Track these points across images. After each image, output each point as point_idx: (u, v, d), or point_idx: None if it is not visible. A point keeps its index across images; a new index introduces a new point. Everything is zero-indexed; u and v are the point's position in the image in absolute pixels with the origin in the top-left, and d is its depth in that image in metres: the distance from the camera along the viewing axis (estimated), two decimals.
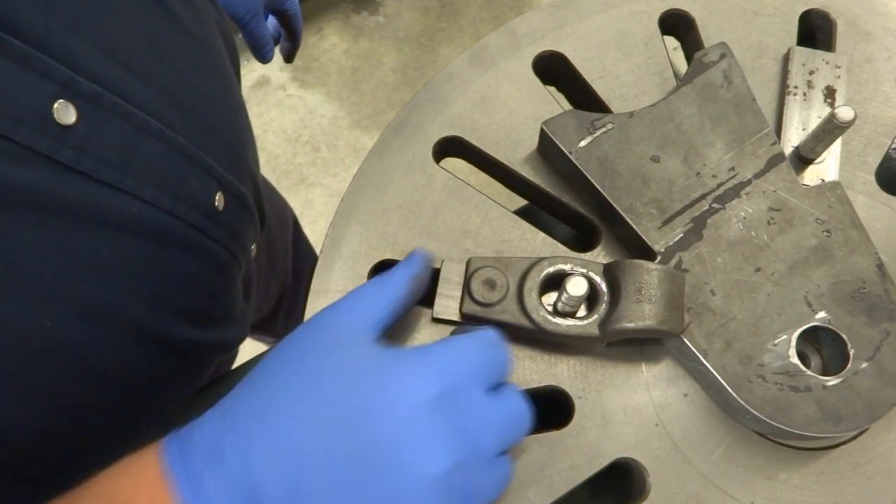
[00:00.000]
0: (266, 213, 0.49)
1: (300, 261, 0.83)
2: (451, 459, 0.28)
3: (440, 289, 0.40)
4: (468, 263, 0.39)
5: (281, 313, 0.82)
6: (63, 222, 0.29)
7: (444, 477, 0.27)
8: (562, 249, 0.42)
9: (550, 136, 0.42)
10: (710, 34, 0.49)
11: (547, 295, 0.39)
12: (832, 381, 0.37)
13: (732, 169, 0.42)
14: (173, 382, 0.41)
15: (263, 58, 0.63)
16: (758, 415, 0.36)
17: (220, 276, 0.41)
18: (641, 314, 0.36)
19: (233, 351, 0.45)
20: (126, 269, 0.33)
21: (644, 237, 0.40)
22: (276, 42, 0.69)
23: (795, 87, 0.47)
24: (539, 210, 0.48)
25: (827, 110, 0.46)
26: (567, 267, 0.38)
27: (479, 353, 0.31)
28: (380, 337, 0.32)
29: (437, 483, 0.27)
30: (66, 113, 0.28)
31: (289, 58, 0.71)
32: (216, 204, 0.38)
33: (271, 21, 0.67)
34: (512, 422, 0.31)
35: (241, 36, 0.60)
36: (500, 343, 0.32)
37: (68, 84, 0.28)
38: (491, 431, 0.30)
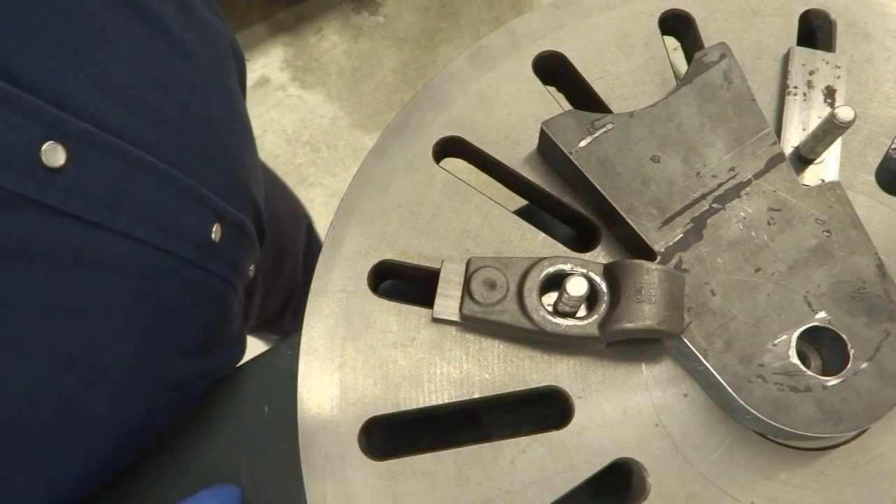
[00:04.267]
0: (279, 215, 0.48)
1: (313, 259, 0.83)
2: None
3: (440, 289, 0.40)
4: (468, 263, 0.39)
5: (288, 310, 0.82)
6: (50, 269, 0.28)
7: None
8: (562, 249, 0.42)
9: (550, 136, 0.42)
10: (710, 34, 0.49)
11: (547, 295, 0.39)
12: (832, 381, 0.37)
13: (732, 169, 0.42)
14: (165, 413, 0.40)
15: None
16: (758, 415, 0.36)
17: (215, 305, 0.40)
18: (641, 314, 0.36)
19: (229, 371, 0.45)
20: (116, 309, 0.32)
21: (644, 237, 0.40)
22: None
23: (795, 88, 0.47)
24: (539, 210, 0.48)
25: (827, 110, 0.46)
26: (567, 267, 0.38)
27: None
28: None
29: None
30: (54, 155, 0.27)
31: None
32: (213, 236, 0.37)
33: None
34: None
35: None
36: None
37: (57, 124, 0.27)
38: None
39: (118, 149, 0.30)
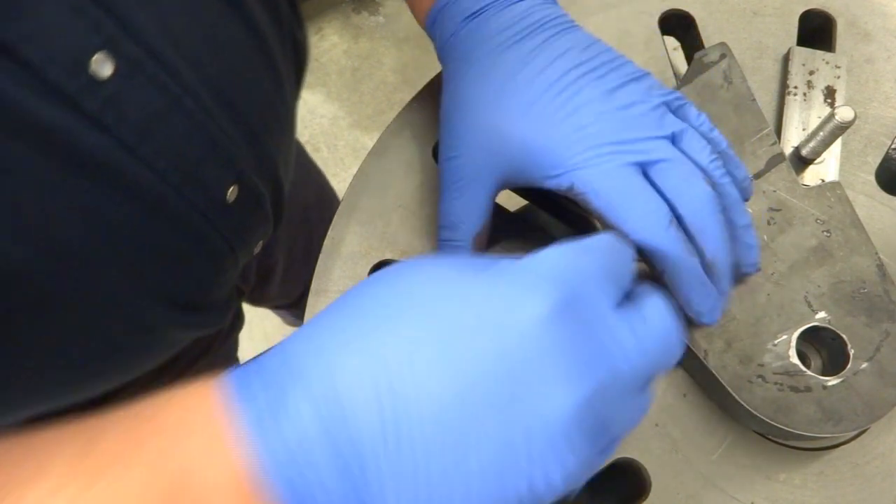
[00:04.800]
0: (309, 204, 0.48)
1: None
2: (584, 391, 0.23)
3: None
4: None
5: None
6: (67, 165, 0.29)
7: (577, 413, 0.23)
8: None
9: None
10: (710, 34, 0.49)
11: None
12: (832, 381, 0.37)
13: None
14: (131, 355, 0.40)
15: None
16: (758, 415, 0.36)
17: (210, 262, 0.41)
18: None
19: (208, 332, 0.45)
20: (116, 229, 0.32)
21: None
22: None
23: (795, 88, 0.47)
24: (539, 210, 0.48)
25: (827, 110, 0.46)
26: None
27: (598, 259, 0.26)
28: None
29: (569, 421, 0.22)
30: (102, 67, 0.28)
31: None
32: (227, 196, 0.38)
33: None
34: (654, 343, 0.25)
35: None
36: (620, 246, 0.28)
37: (113, 41, 0.29)
38: (628, 354, 0.25)
39: (163, 83, 0.31)
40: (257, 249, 0.47)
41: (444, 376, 0.22)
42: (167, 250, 0.36)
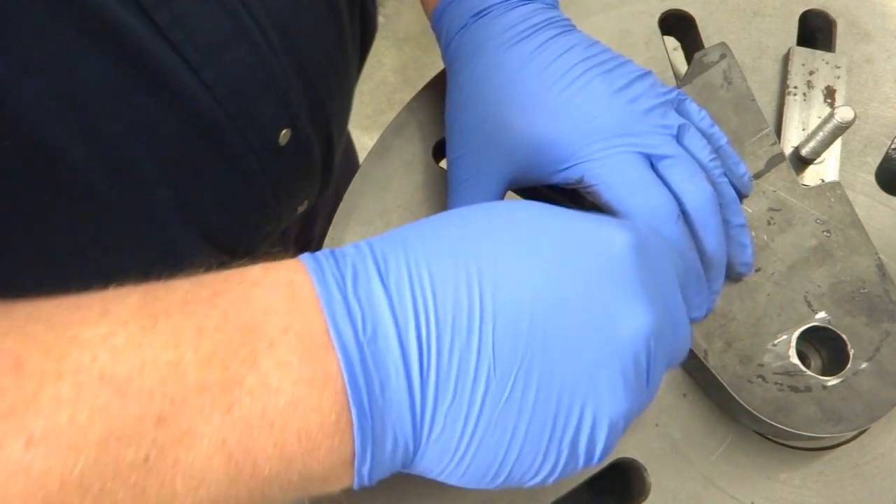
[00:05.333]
0: (340, 188, 0.47)
1: None
2: (654, 318, 0.25)
3: None
4: None
5: None
6: (130, 72, 0.30)
7: (645, 340, 0.24)
8: None
9: None
10: (710, 34, 0.49)
11: None
12: (832, 381, 0.37)
13: None
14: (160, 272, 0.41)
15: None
16: (758, 415, 0.36)
17: (253, 206, 0.41)
18: None
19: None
20: (167, 145, 0.33)
21: None
22: None
23: (795, 88, 0.47)
24: None
25: (827, 110, 0.46)
26: None
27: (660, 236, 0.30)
28: None
29: (638, 345, 0.24)
30: None
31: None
32: (279, 138, 0.39)
33: None
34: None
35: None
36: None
37: None
38: (680, 306, 0.28)
39: (233, 10, 0.32)
40: (302, 208, 0.47)
41: (541, 285, 0.23)
42: (214, 181, 0.37)
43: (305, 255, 0.24)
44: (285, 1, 0.36)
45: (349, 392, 0.21)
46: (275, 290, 0.23)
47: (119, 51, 0.29)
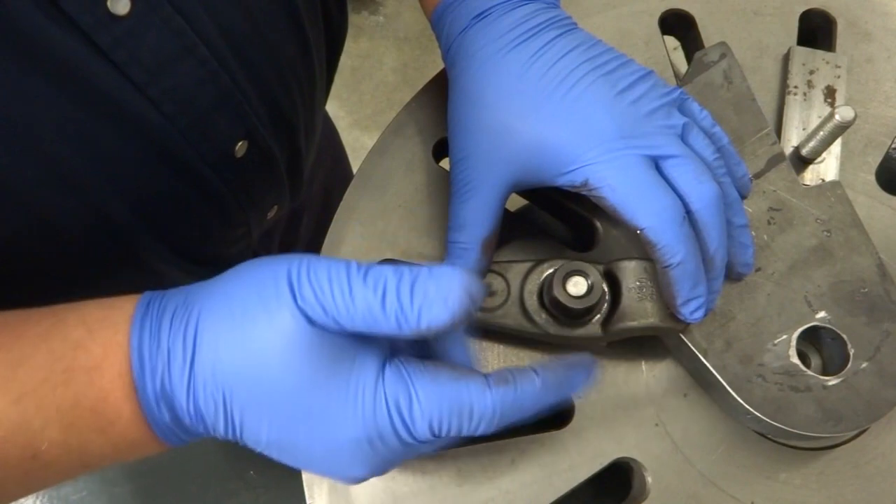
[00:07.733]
0: (332, 186, 0.47)
1: None
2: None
3: None
4: None
5: None
6: (77, 97, 0.30)
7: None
8: (561, 249, 0.42)
9: None
10: (710, 34, 0.49)
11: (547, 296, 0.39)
12: (832, 381, 0.37)
13: None
14: (129, 284, 0.42)
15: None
16: (758, 415, 0.36)
17: (217, 216, 0.41)
18: (644, 312, 0.36)
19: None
20: (120, 164, 0.33)
21: None
22: None
23: (795, 87, 0.47)
24: (539, 210, 0.48)
25: (827, 110, 0.46)
26: (567, 268, 0.38)
27: None
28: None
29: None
30: (119, 4, 0.29)
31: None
32: (235, 150, 0.39)
33: None
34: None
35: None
36: None
37: None
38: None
39: (179, 27, 0.32)
40: (271, 214, 0.47)
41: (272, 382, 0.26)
42: (173, 194, 0.37)
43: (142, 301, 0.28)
44: (238, 17, 0.36)
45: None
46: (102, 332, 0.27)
47: (64, 77, 0.29)
